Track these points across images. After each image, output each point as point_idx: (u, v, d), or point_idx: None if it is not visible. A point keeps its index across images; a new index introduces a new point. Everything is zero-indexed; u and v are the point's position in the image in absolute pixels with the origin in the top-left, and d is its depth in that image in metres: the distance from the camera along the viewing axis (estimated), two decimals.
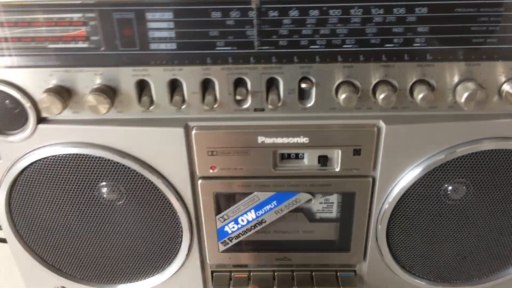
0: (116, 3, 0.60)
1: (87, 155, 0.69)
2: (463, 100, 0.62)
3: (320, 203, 0.76)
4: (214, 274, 0.82)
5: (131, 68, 0.63)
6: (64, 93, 0.64)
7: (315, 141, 0.67)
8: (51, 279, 0.81)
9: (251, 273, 0.82)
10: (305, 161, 0.71)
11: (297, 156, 0.71)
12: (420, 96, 0.62)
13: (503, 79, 0.63)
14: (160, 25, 0.61)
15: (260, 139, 0.67)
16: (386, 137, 0.67)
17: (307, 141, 0.67)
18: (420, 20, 0.60)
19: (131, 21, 0.61)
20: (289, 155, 0.71)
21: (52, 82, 0.64)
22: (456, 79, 0.64)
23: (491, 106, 0.65)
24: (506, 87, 0.63)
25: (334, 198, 0.75)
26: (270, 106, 0.64)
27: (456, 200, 0.72)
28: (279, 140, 0.67)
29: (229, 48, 0.62)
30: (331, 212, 0.77)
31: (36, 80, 0.64)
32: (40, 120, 0.67)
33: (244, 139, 0.67)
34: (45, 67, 0.64)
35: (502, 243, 0.76)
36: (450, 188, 0.71)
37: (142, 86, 0.66)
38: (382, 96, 0.62)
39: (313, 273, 0.81)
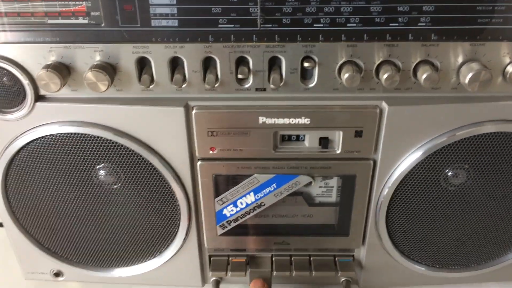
0: None
1: (85, 134, 0.68)
2: (467, 80, 0.61)
3: (320, 187, 0.75)
4: (212, 258, 0.81)
5: (132, 45, 0.62)
6: (63, 70, 0.63)
7: (316, 122, 0.66)
8: (47, 262, 0.81)
9: (249, 258, 0.81)
10: (306, 143, 0.70)
11: (297, 138, 0.70)
12: (424, 76, 0.62)
13: (507, 60, 0.63)
14: (162, 1, 0.60)
15: (261, 119, 0.66)
16: (388, 118, 0.66)
17: (308, 122, 0.66)
18: None
19: None
20: (289, 137, 0.70)
21: (51, 59, 0.63)
22: (460, 59, 0.63)
23: (495, 87, 0.65)
24: (510, 69, 0.63)
25: (334, 182, 0.75)
26: (272, 86, 0.64)
27: (456, 184, 0.71)
28: (280, 121, 0.66)
29: (232, 25, 0.61)
30: (331, 196, 0.76)
31: (35, 57, 0.63)
32: (38, 98, 0.66)
33: (244, 120, 0.66)
34: (44, 43, 0.62)
35: (502, 228, 0.76)
36: (450, 172, 0.70)
37: (142, 64, 0.65)
38: (385, 75, 0.62)
39: (311, 258, 0.81)
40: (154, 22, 0.61)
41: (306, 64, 0.63)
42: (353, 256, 0.81)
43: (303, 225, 0.78)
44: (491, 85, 0.63)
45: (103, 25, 0.61)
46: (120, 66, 0.64)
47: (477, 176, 0.71)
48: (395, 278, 0.82)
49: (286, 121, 0.66)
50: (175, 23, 0.61)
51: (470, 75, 0.61)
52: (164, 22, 0.61)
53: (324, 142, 0.69)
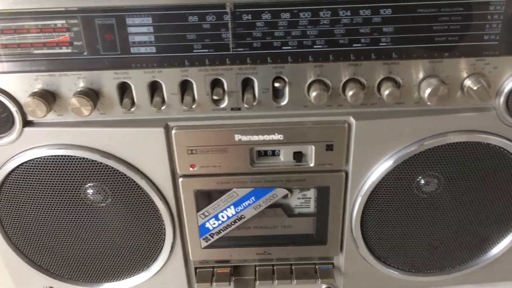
0: (97, 10, 0.63)
1: (72, 156, 0.72)
2: (426, 95, 0.66)
3: (298, 198, 0.79)
4: (197, 270, 0.85)
5: (113, 72, 0.66)
6: (48, 97, 0.67)
7: (289, 138, 0.71)
8: (40, 279, 0.84)
9: (233, 269, 0.84)
10: (281, 157, 0.74)
11: (273, 153, 0.75)
12: (386, 92, 0.66)
13: (464, 75, 0.67)
14: (140, 30, 0.64)
15: (237, 137, 0.70)
16: (356, 132, 0.70)
17: (281, 138, 0.70)
18: (385, 20, 0.64)
19: (112, 27, 0.64)
20: (265, 152, 0.74)
21: (38, 86, 0.67)
22: (420, 75, 0.67)
23: (455, 100, 0.69)
24: (467, 83, 0.67)
25: (311, 194, 0.79)
26: (245, 105, 0.68)
27: (427, 192, 0.75)
28: (255, 138, 0.70)
29: (206, 50, 0.66)
30: (309, 207, 0.80)
31: (22, 85, 0.67)
32: (26, 123, 0.70)
33: (221, 138, 0.71)
34: (31, 72, 0.66)
35: (471, 232, 0.80)
36: (420, 179, 0.74)
37: (124, 88, 0.69)
38: (350, 93, 0.66)
39: (292, 267, 0.84)
40: (133, 50, 0.66)
41: (276, 84, 0.67)
42: (332, 264, 0.85)
43: (283, 236, 0.82)
44: (451, 99, 0.67)
45: (85, 53, 0.66)
46: (102, 91, 0.68)
47: (446, 183, 0.75)
48: (374, 283, 0.86)
49: (261, 137, 0.70)
50: (153, 49, 0.66)
51: (428, 90, 0.66)
52: (142, 49, 0.66)
53: (298, 156, 0.73)
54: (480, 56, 0.66)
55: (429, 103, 0.66)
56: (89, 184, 0.74)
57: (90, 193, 0.75)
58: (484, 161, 0.73)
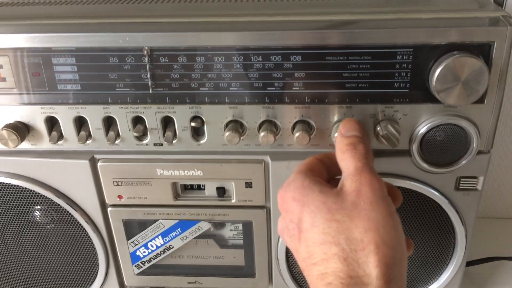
0: (26, 50, 0.67)
1: (7, 183, 0.76)
2: (334, 139, 0.68)
3: (231, 230, 0.82)
4: None
5: (40, 106, 0.71)
6: None
7: (209, 174, 0.74)
8: None
9: None
10: (206, 191, 0.77)
11: (199, 187, 0.77)
12: (296, 135, 0.68)
13: (376, 120, 0.69)
14: (65, 69, 0.68)
15: (159, 171, 0.74)
16: (273, 171, 0.73)
17: (201, 174, 0.73)
18: (296, 66, 0.67)
19: (39, 65, 0.68)
20: (191, 185, 0.77)
21: None
22: (333, 119, 0.69)
23: (371, 144, 0.70)
24: (377, 128, 0.69)
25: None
26: (165, 142, 0.71)
27: None
28: (176, 173, 0.74)
29: (128, 89, 0.69)
30: (241, 239, 0.82)
31: None
32: None
33: (145, 171, 0.74)
34: None
35: None
36: None
37: (54, 122, 0.73)
38: (261, 135, 0.68)
39: None
40: (60, 86, 0.70)
41: (193, 124, 0.70)
42: None
43: (215, 266, 0.84)
44: None
45: (15, 89, 0.70)
46: (32, 124, 0.72)
47: None
48: None
49: (181, 173, 0.74)
50: (78, 87, 0.69)
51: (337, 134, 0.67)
52: (68, 86, 0.70)
53: (220, 191, 0.76)
54: (390, 103, 0.68)
55: None
56: (35, 208, 0.79)
57: (37, 215, 0.80)
58: (403, 206, 0.74)
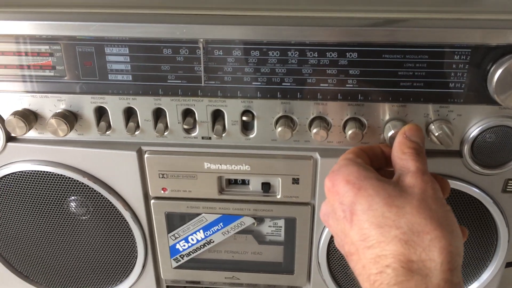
0: (79, 38, 0.66)
1: (51, 172, 0.75)
2: (387, 137, 0.67)
3: (269, 226, 0.82)
4: None
5: (90, 96, 0.70)
6: (30, 116, 0.71)
7: (256, 169, 0.73)
8: (18, 286, 0.88)
9: None
10: (250, 187, 0.77)
11: (243, 182, 0.77)
12: (349, 132, 0.68)
13: (429, 120, 0.69)
14: (117, 59, 0.68)
15: (206, 165, 0.73)
16: (321, 168, 0.72)
17: (249, 169, 0.73)
18: (351, 63, 0.66)
19: (92, 54, 0.68)
20: (236, 180, 0.77)
21: (21, 106, 0.71)
22: (385, 118, 0.69)
23: None
24: (431, 128, 0.68)
25: (282, 222, 0.81)
26: (214, 136, 0.71)
27: None
28: (223, 167, 0.73)
29: (179, 81, 0.69)
30: (280, 236, 0.82)
31: (6, 103, 0.71)
32: (10, 139, 0.74)
33: (191, 164, 0.73)
34: (15, 92, 0.70)
35: None
36: None
37: (101, 112, 0.72)
38: (314, 131, 0.68)
39: None
40: (110, 77, 0.69)
41: (244, 118, 0.70)
42: None
43: (253, 262, 0.84)
44: None
45: (66, 78, 0.69)
46: (80, 114, 0.71)
47: None
48: None
49: (229, 167, 0.73)
50: (129, 77, 0.69)
51: (390, 132, 0.67)
52: (119, 77, 0.69)
53: (266, 187, 0.76)
54: (445, 103, 0.67)
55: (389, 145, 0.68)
56: (72, 198, 0.78)
57: (73, 206, 0.79)
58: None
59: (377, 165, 0.62)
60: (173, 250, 0.81)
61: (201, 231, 0.79)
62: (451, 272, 0.49)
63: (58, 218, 0.80)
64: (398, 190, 0.54)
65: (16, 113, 0.70)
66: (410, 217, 0.51)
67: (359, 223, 0.53)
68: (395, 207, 0.52)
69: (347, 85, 0.68)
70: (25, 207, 0.79)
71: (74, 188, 0.77)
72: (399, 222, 0.51)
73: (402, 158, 0.58)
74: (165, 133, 0.72)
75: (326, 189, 0.58)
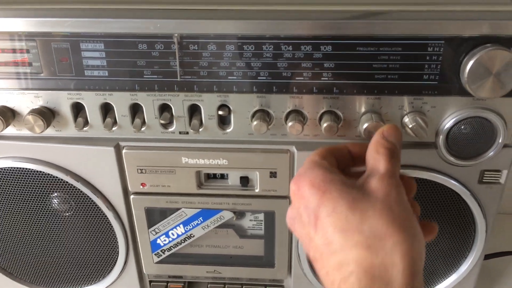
0: (54, 34, 0.67)
1: (31, 169, 0.76)
2: (362, 130, 0.68)
3: (250, 220, 0.82)
4: (151, 283, 0.88)
5: (66, 92, 0.70)
6: (7, 113, 0.71)
7: (233, 163, 0.73)
8: (3, 282, 0.88)
9: (186, 284, 0.87)
10: (229, 181, 0.77)
11: (222, 176, 0.77)
12: (324, 125, 0.68)
13: (403, 112, 0.69)
14: (93, 55, 0.68)
15: (184, 159, 0.74)
16: (298, 162, 0.73)
17: (226, 163, 0.73)
18: (326, 56, 0.66)
19: (67, 50, 0.68)
20: (214, 174, 0.77)
21: None
22: (361, 110, 0.70)
23: None
24: (405, 120, 0.69)
25: (262, 216, 0.81)
26: (191, 131, 0.71)
27: None
28: (201, 161, 0.73)
29: (155, 76, 0.69)
30: (261, 229, 0.83)
31: None
32: None
33: (169, 159, 0.74)
34: None
35: None
36: None
37: (79, 108, 0.72)
38: (289, 125, 0.68)
39: (243, 287, 0.87)
40: (87, 73, 0.69)
41: (220, 112, 0.70)
42: (282, 286, 0.87)
43: (234, 256, 0.84)
44: None
45: (42, 74, 0.70)
46: (58, 110, 0.72)
47: None
48: None
49: (206, 161, 0.74)
50: (105, 73, 0.69)
51: (365, 125, 0.68)
52: (95, 73, 0.69)
53: (244, 181, 0.76)
54: (419, 95, 0.68)
55: (365, 138, 0.68)
56: (54, 194, 0.78)
57: (56, 202, 0.79)
58: (426, 197, 0.74)
59: (343, 165, 0.62)
60: (154, 245, 0.82)
61: (181, 225, 0.80)
62: (413, 277, 0.49)
63: (41, 215, 0.80)
64: (362, 194, 0.53)
65: None
66: (372, 220, 0.51)
67: (323, 227, 0.53)
68: (359, 210, 0.52)
69: (322, 78, 0.68)
70: (7, 204, 0.79)
71: (55, 184, 0.77)
72: (362, 227, 0.51)
73: (375, 157, 0.58)
74: (143, 129, 0.72)
75: (291, 193, 0.58)
